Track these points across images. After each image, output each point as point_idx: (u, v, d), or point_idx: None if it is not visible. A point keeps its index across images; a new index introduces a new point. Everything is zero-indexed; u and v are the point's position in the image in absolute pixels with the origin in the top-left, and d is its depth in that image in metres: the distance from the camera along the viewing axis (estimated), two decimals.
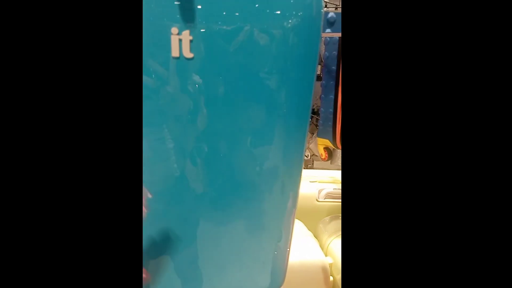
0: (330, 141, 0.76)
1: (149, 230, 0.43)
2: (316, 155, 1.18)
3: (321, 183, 0.97)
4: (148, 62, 0.33)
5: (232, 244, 0.48)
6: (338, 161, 0.95)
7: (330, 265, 0.78)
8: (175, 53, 0.31)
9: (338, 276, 0.76)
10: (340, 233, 0.84)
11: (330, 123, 0.74)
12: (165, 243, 0.45)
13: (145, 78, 0.34)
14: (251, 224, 0.48)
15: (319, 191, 0.96)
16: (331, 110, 0.75)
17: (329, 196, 0.95)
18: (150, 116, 0.36)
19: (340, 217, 0.92)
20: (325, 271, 0.76)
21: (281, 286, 0.52)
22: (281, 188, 0.46)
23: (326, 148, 0.87)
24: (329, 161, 0.94)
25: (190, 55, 0.32)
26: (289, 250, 0.53)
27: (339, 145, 0.75)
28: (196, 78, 0.35)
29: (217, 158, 0.41)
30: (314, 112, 0.88)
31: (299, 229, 0.88)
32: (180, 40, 0.31)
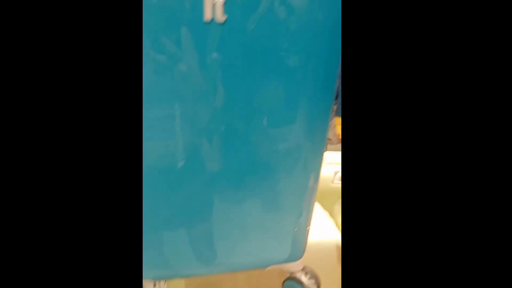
0: None
1: (162, 206, 0.44)
2: (330, 139, 1.18)
3: (337, 165, 0.97)
4: (161, 38, 0.33)
5: (248, 222, 0.49)
6: None
7: None
8: (207, 16, 0.32)
9: None
10: None
11: None
12: (179, 218, 0.46)
13: (158, 55, 0.34)
14: (267, 203, 0.48)
15: (335, 173, 0.96)
16: None
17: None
18: (166, 92, 0.37)
19: None
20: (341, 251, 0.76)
21: (301, 257, 0.53)
22: (303, 168, 0.47)
23: None
24: None
25: (223, 19, 0.32)
26: (309, 228, 0.54)
27: None
28: (215, 54, 0.35)
29: (234, 137, 0.42)
30: None
31: (316, 209, 0.88)
32: (214, 4, 0.31)
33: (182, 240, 0.47)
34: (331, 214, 0.90)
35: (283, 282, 0.56)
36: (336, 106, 0.77)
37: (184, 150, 0.41)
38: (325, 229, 0.79)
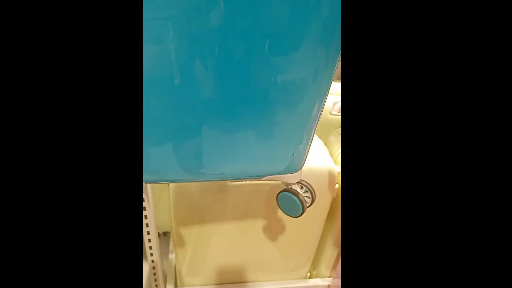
0: None
1: (151, 118, 0.40)
2: None
3: (336, 96, 0.93)
4: None
5: (240, 148, 0.45)
6: None
7: (338, 173, 0.78)
8: None
9: None
10: None
11: None
12: (168, 133, 0.43)
13: None
14: (262, 135, 0.44)
15: (334, 104, 0.92)
16: None
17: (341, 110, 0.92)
18: (160, 6, 0.31)
19: None
20: (333, 178, 0.76)
21: (298, 170, 0.50)
22: (306, 99, 0.42)
23: None
24: None
25: None
26: (308, 149, 0.51)
27: None
28: None
29: (230, 62, 0.36)
30: None
31: None
32: None
33: (169, 154, 0.44)
34: (326, 143, 0.88)
35: (278, 193, 0.54)
36: None
37: (176, 68, 0.36)
38: (319, 157, 0.77)
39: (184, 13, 0.32)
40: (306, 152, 0.50)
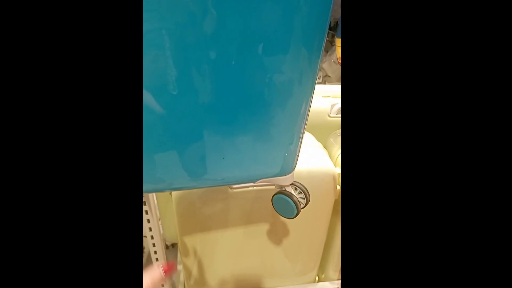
0: None
1: (154, 127, 0.42)
2: (330, 76, 1.13)
3: (334, 98, 0.93)
4: None
5: (239, 152, 0.47)
6: None
7: (338, 175, 0.78)
8: None
9: None
10: None
11: None
12: (171, 141, 0.44)
13: None
14: (260, 136, 0.46)
15: (332, 106, 0.93)
16: None
17: (341, 111, 0.92)
18: (151, 18, 0.33)
19: None
20: (334, 180, 0.76)
21: (291, 172, 0.51)
22: (296, 98, 0.44)
23: None
24: None
25: None
26: (299, 149, 0.52)
27: None
28: None
29: (227, 66, 0.38)
30: (330, 28, 0.80)
31: (310, 141, 0.87)
32: None
33: (173, 160, 0.46)
34: (325, 146, 0.89)
35: (272, 196, 0.55)
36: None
37: (174, 76, 0.37)
38: (319, 159, 0.78)
39: (178, 22, 0.34)
40: (297, 153, 0.51)
